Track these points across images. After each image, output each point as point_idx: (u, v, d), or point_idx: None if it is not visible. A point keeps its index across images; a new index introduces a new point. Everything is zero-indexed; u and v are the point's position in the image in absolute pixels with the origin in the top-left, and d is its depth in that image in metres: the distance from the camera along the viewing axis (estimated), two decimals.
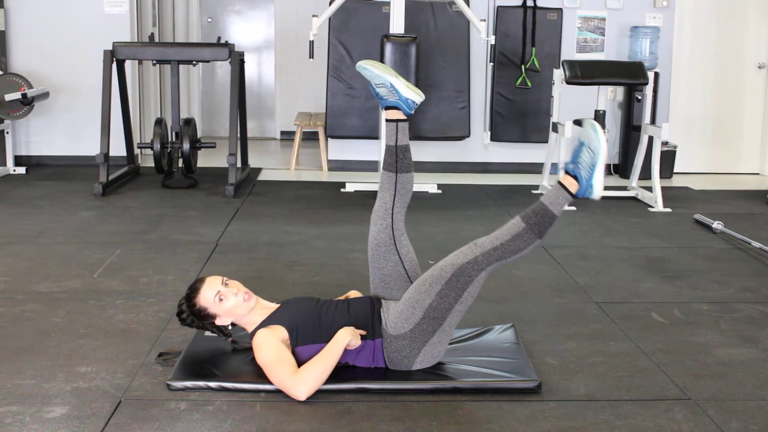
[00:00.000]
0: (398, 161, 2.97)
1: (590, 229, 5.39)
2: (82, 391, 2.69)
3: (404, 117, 2.98)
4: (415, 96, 2.96)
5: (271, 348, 2.70)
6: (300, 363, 2.74)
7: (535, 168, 7.28)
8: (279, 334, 2.77)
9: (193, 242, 4.76)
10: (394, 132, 2.98)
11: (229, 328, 2.89)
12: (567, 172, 2.81)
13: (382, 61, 5.84)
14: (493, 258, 2.76)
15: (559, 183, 2.81)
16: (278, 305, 2.91)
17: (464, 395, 2.70)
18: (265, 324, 2.81)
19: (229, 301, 2.83)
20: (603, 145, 2.75)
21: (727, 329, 3.44)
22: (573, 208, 5.97)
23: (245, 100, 7.24)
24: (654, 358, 3.09)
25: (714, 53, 7.70)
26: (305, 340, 2.78)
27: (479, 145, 7.60)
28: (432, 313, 2.75)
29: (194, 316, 2.87)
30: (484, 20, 6.33)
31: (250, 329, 2.85)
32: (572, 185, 2.78)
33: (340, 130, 7.31)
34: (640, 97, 7.12)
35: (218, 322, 2.86)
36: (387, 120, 3.00)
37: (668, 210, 5.98)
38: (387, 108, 2.98)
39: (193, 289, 2.89)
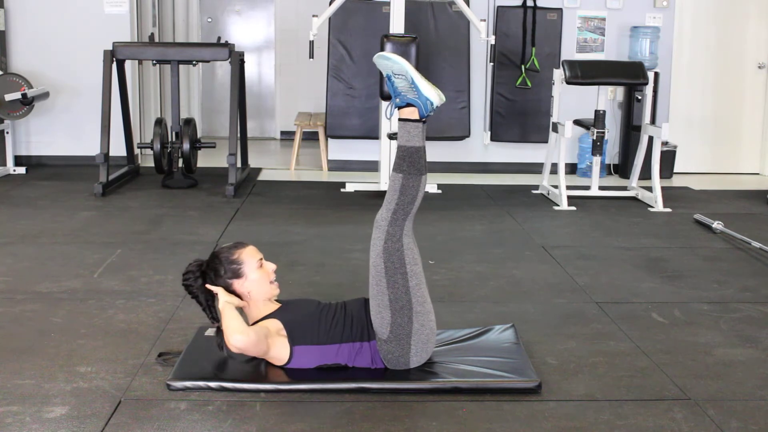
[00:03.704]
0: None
1: (590, 229, 5.39)
2: (82, 391, 2.69)
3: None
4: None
5: (254, 327, 2.75)
6: (298, 363, 2.76)
7: (535, 168, 7.27)
8: (272, 324, 2.78)
9: (193, 242, 4.76)
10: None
11: (217, 331, 2.86)
12: (400, 107, 2.79)
13: None
14: (399, 220, 2.75)
15: (401, 120, 2.79)
16: (279, 305, 2.92)
17: (464, 395, 2.70)
18: (263, 320, 2.82)
19: (265, 270, 2.85)
20: (402, 61, 2.75)
21: (727, 329, 3.44)
22: (573, 208, 5.97)
23: (245, 100, 7.24)
24: (654, 358, 3.09)
25: (714, 53, 7.69)
26: (303, 341, 2.78)
27: (479, 145, 7.60)
28: (397, 306, 2.75)
29: (218, 268, 2.81)
30: (484, 20, 6.33)
31: (249, 323, 2.85)
32: (412, 113, 2.78)
33: (340, 130, 7.32)
34: (640, 97, 7.12)
35: (237, 285, 2.82)
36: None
37: (668, 210, 5.98)
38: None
39: (239, 243, 2.90)
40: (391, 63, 2.77)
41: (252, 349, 2.68)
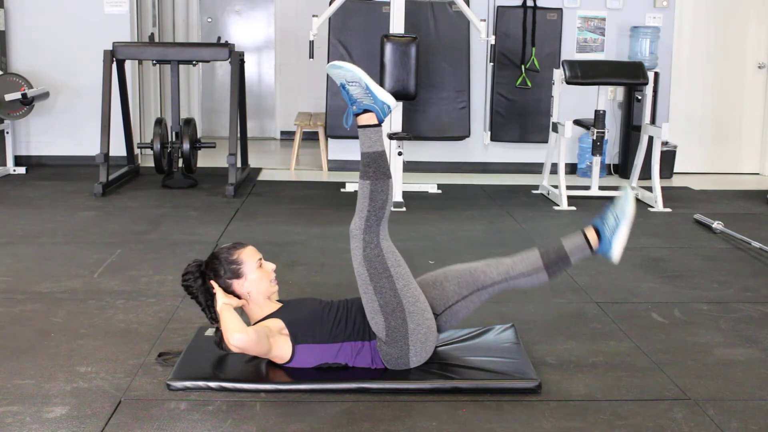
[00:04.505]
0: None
1: None
2: (82, 391, 2.69)
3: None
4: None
5: (253, 326, 2.75)
6: (300, 362, 2.76)
7: (535, 168, 7.28)
8: (273, 324, 2.78)
9: (193, 242, 4.76)
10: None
11: (216, 330, 2.86)
12: (357, 114, 2.79)
13: (382, 61, 5.84)
14: (373, 226, 2.74)
15: (360, 127, 2.79)
16: (280, 304, 2.92)
17: (464, 395, 2.70)
18: (264, 320, 2.82)
19: (264, 270, 2.85)
20: (354, 68, 2.75)
21: (727, 329, 3.44)
22: (573, 208, 5.97)
23: (245, 100, 7.24)
24: (654, 358, 3.09)
25: (714, 53, 7.70)
26: (305, 339, 2.78)
27: (479, 145, 7.60)
28: (387, 309, 2.74)
29: (218, 269, 2.81)
30: (484, 20, 6.33)
31: (251, 323, 2.86)
32: (370, 118, 2.78)
33: (340, 130, 7.31)
34: (640, 97, 7.12)
35: (237, 285, 2.82)
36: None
37: (668, 210, 5.98)
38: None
39: (238, 243, 2.90)
40: (343, 71, 2.76)
41: (252, 349, 2.68)
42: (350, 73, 2.75)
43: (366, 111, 2.77)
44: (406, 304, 2.75)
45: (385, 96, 2.77)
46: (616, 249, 2.90)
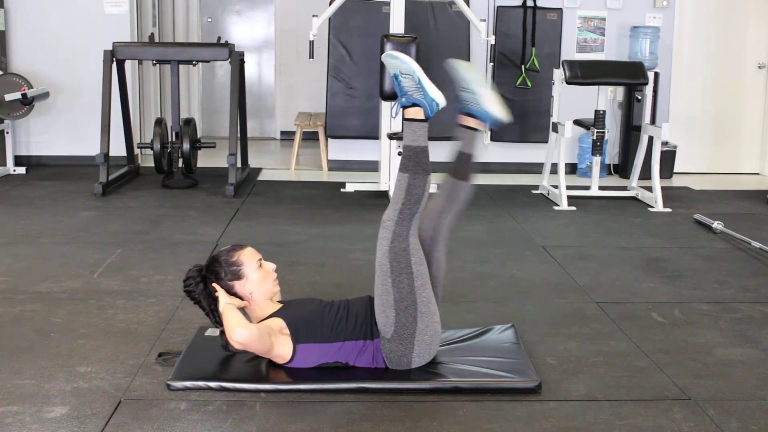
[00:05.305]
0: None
1: (590, 229, 5.39)
2: (82, 391, 2.69)
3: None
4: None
5: (256, 324, 2.76)
6: (301, 361, 2.76)
7: (535, 168, 7.27)
8: (275, 323, 2.78)
9: (193, 242, 4.76)
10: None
11: (221, 333, 2.86)
12: (405, 106, 2.81)
13: (382, 61, 5.84)
14: (406, 219, 2.75)
15: (406, 120, 2.81)
16: (281, 305, 2.92)
17: (464, 395, 2.70)
18: (265, 320, 2.82)
19: (265, 270, 2.86)
20: (410, 61, 2.77)
21: (727, 329, 3.44)
22: (573, 208, 5.97)
23: (245, 100, 7.24)
24: (654, 358, 3.09)
25: (714, 53, 7.70)
26: (306, 339, 2.78)
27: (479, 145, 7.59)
28: (401, 305, 2.74)
29: (218, 271, 2.82)
30: (484, 20, 6.33)
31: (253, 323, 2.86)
32: (417, 113, 2.80)
33: (340, 130, 7.32)
34: (640, 97, 7.12)
35: (238, 286, 2.82)
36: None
37: (668, 210, 5.98)
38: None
39: (237, 245, 2.90)
40: (399, 62, 2.78)
41: (254, 345, 2.68)
42: (405, 65, 2.77)
43: (414, 105, 2.80)
44: (420, 303, 2.76)
45: (436, 93, 2.79)
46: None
